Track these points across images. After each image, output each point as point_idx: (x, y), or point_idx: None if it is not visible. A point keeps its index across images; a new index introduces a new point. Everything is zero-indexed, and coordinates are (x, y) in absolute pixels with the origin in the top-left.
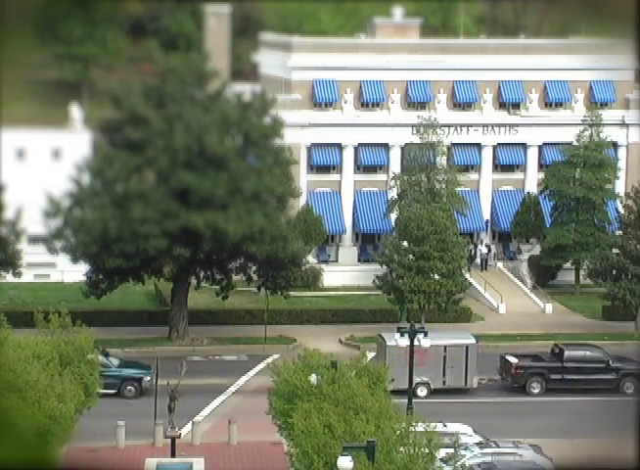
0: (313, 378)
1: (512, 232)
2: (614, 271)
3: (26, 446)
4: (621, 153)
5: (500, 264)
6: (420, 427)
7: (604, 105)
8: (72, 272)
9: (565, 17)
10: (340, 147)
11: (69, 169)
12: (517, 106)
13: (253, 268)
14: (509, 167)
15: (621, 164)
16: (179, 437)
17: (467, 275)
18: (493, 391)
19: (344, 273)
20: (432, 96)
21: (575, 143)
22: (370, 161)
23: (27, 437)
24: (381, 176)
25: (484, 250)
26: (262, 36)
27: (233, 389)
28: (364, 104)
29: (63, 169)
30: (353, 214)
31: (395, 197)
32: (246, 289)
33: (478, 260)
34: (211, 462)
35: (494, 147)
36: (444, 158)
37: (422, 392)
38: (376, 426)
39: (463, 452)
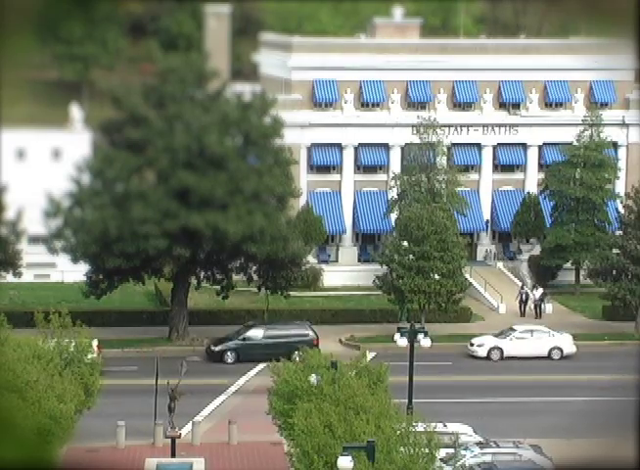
0: (313, 378)
1: (512, 232)
2: (614, 271)
3: (26, 446)
4: (621, 153)
5: (500, 264)
6: (420, 427)
7: (604, 105)
8: (72, 272)
9: (565, 17)
10: (340, 147)
11: (69, 169)
12: (517, 106)
13: (254, 268)
14: (509, 167)
15: (621, 164)
16: (179, 437)
17: (467, 275)
18: (493, 390)
19: (344, 273)
20: (432, 96)
21: (575, 143)
22: (370, 161)
23: (27, 437)
24: (381, 176)
25: (538, 295)
26: (262, 36)
27: (233, 389)
28: (364, 104)
29: (63, 169)
30: (353, 214)
31: (395, 197)
32: (246, 289)
33: (531, 305)
34: (211, 462)
35: (494, 147)
36: (444, 158)
37: None
38: (376, 426)
39: (463, 452)
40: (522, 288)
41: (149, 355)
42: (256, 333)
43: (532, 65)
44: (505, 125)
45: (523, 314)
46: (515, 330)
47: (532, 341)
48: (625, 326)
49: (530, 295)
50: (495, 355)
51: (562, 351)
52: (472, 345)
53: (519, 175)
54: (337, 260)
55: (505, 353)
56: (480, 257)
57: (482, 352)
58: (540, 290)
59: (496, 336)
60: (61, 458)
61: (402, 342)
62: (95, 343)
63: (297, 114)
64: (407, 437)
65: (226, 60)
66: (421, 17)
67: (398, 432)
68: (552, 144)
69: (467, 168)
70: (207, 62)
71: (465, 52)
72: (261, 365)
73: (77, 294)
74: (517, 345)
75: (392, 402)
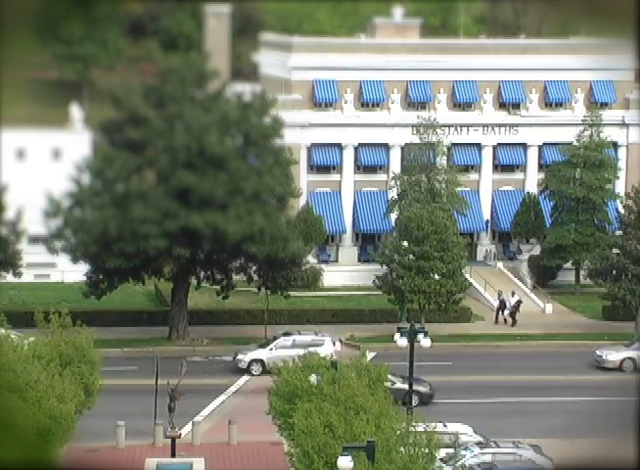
0: (313, 378)
1: (512, 232)
2: (614, 271)
3: (26, 446)
4: (621, 153)
5: (500, 264)
6: (420, 427)
7: (604, 105)
8: (72, 272)
9: (565, 17)
10: (340, 147)
11: (69, 169)
12: (517, 106)
13: (254, 268)
14: (509, 167)
15: (621, 164)
16: (179, 437)
17: (467, 275)
18: (493, 390)
19: (344, 273)
20: (432, 96)
21: (575, 143)
22: (370, 161)
23: (28, 437)
24: (381, 176)
25: (513, 301)
26: (262, 36)
27: (233, 389)
28: (364, 104)
29: (63, 169)
30: (353, 214)
31: (395, 197)
32: (246, 289)
33: (506, 312)
34: (211, 462)
35: (494, 147)
36: (444, 158)
37: None
38: (376, 426)
39: (463, 452)
40: (499, 295)
41: (149, 355)
42: None
43: (532, 65)
44: (505, 125)
45: (496, 321)
46: None
47: None
48: (625, 326)
49: (506, 302)
50: None
51: None
52: None
53: (519, 175)
54: (337, 260)
55: None
56: (480, 257)
57: None
58: (516, 297)
59: None
60: (61, 458)
61: (402, 342)
62: None
63: (297, 114)
64: (407, 437)
65: (226, 60)
66: (421, 17)
67: (398, 432)
68: (552, 144)
69: (467, 168)
70: (207, 62)
71: (465, 52)
72: None
73: (77, 294)
74: None
75: (392, 402)
